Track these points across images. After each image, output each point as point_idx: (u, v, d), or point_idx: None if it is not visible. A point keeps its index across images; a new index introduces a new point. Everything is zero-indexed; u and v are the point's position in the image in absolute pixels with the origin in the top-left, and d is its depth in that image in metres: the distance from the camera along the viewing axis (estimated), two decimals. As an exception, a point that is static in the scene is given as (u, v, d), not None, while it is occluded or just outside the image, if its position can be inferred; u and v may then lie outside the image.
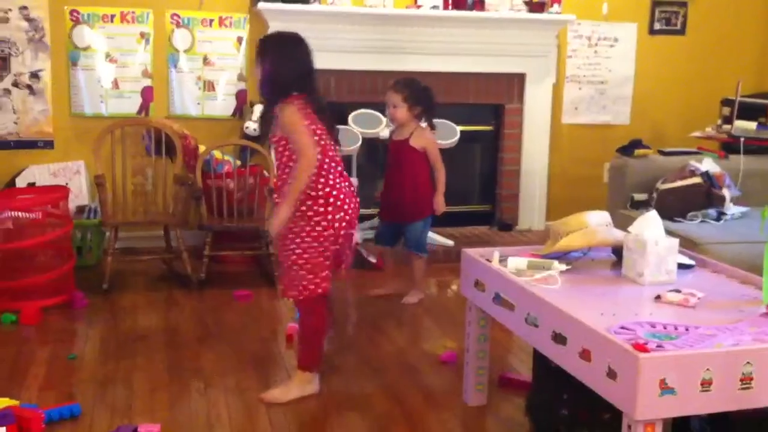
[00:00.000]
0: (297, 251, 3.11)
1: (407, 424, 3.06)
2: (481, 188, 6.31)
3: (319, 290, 3.14)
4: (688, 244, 3.75)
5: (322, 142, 3.11)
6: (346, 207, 3.16)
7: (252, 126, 5.24)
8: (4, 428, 2.75)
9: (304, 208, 3.09)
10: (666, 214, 3.81)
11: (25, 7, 5.18)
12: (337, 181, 3.15)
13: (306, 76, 3.16)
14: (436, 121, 5.47)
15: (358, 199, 3.26)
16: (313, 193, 3.09)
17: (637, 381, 2.02)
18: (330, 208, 3.10)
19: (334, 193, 3.12)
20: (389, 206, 4.55)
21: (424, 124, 4.48)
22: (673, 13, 6.28)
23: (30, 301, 4.13)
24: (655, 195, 4.68)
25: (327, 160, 3.12)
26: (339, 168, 3.19)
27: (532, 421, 2.98)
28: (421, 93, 4.38)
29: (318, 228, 3.09)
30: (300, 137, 3.03)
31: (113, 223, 4.68)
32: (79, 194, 5.19)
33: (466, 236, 5.83)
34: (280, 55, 3.16)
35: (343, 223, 3.16)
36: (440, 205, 4.51)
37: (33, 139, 5.32)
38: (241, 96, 5.57)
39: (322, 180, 3.10)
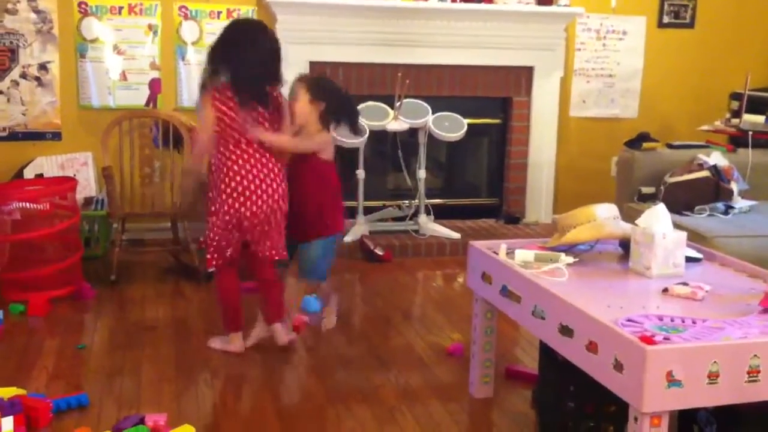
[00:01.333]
0: (207, 228, 3.56)
1: (414, 415, 3.06)
2: (489, 181, 6.30)
3: (213, 263, 3.56)
4: (695, 237, 3.74)
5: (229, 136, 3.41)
6: (255, 198, 3.42)
7: (259, 118, 5.23)
8: (12, 417, 2.77)
9: (210, 194, 3.53)
10: (674, 208, 3.80)
11: (33, -1, 5.19)
12: (244, 174, 3.42)
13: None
14: (443, 114, 5.51)
15: (278, 189, 3.48)
16: (219, 184, 3.45)
17: (643, 373, 2.02)
18: (229, 200, 3.43)
19: (233, 185, 3.42)
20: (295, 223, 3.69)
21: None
22: (681, 7, 6.26)
23: (38, 292, 4.14)
24: (662, 188, 4.67)
25: (232, 154, 3.42)
26: (251, 161, 3.44)
27: (539, 413, 2.99)
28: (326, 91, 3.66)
29: (212, 217, 3.50)
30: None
31: (121, 214, 4.69)
32: (87, 186, 5.20)
33: (473, 229, 5.82)
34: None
35: (248, 213, 3.43)
36: (257, 132, 3.44)
37: (41, 130, 5.33)
38: (248, 88, 5.56)
39: (224, 172, 3.43)
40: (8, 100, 5.26)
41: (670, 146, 5.10)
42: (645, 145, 5.00)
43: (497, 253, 2.95)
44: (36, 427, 2.85)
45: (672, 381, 2.04)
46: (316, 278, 3.81)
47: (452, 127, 5.47)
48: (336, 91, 3.69)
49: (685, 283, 2.59)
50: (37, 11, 5.21)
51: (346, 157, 4.98)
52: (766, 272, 2.75)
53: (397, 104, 5.36)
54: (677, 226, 2.91)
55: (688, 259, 2.84)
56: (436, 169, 6.17)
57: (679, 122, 6.23)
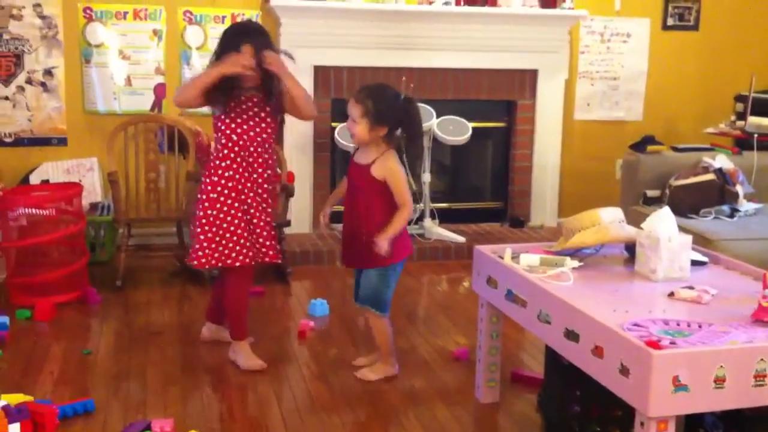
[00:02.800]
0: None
1: (419, 419, 3.06)
2: (493, 184, 6.30)
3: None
4: (701, 240, 3.74)
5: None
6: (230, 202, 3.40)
7: (264, 123, 5.24)
8: (18, 424, 2.77)
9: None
10: (679, 211, 3.80)
11: (38, 5, 5.20)
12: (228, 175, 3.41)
13: None
14: (448, 118, 5.51)
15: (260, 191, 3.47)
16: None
17: (650, 378, 2.02)
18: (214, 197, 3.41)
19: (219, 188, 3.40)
20: (345, 246, 3.46)
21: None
22: (686, 9, 6.25)
23: (44, 297, 4.15)
24: (668, 191, 4.67)
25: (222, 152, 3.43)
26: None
27: (544, 417, 2.98)
28: (390, 108, 3.23)
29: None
30: None
31: (126, 219, 4.70)
32: (93, 191, 5.21)
33: (477, 233, 5.82)
34: None
35: (229, 218, 3.41)
36: (380, 246, 3.17)
37: (47, 136, 5.34)
38: (253, 93, 5.57)
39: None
40: (14, 106, 5.27)
41: (675, 149, 5.10)
42: (650, 148, 5.00)
43: (502, 257, 2.95)
44: (43, 433, 2.86)
45: (678, 385, 2.04)
46: (378, 309, 3.38)
47: (457, 131, 5.48)
48: (397, 110, 3.23)
49: (690, 287, 2.59)
50: (42, 17, 5.23)
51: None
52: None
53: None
54: (683, 229, 2.91)
55: (694, 263, 2.84)
56: (441, 172, 6.17)
57: (684, 125, 6.23)
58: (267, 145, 3.48)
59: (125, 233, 4.69)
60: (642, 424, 2.10)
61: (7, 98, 5.25)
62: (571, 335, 2.39)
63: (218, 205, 3.39)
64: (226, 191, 3.39)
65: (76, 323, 4.06)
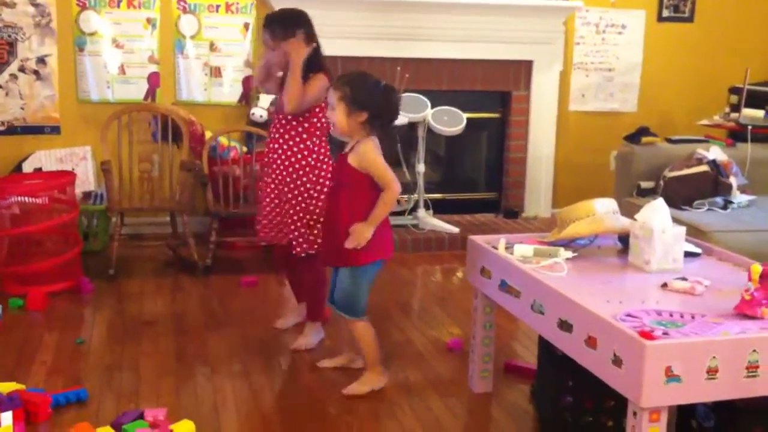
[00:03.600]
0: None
1: (413, 410, 3.06)
2: (488, 175, 6.30)
3: None
4: (694, 232, 3.74)
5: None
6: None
7: (258, 112, 5.24)
8: (11, 412, 2.76)
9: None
10: (673, 202, 3.80)
11: (31, -8, 5.18)
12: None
13: None
14: (443, 108, 5.50)
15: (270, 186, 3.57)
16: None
17: (642, 368, 2.03)
18: None
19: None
20: (325, 244, 3.30)
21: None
22: (681, 1, 6.25)
23: (37, 286, 4.14)
24: (662, 183, 4.67)
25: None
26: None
27: (537, 407, 2.99)
28: (367, 93, 3.07)
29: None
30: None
31: (119, 208, 4.69)
32: (86, 180, 5.20)
33: (472, 223, 5.82)
34: None
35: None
36: (356, 234, 3.02)
37: (40, 124, 5.32)
38: (247, 82, 5.56)
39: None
40: (7, 94, 5.25)
41: (670, 141, 5.10)
42: (644, 139, 5.00)
43: (496, 248, 2.95)
44: (35, 422, 2.85)
45: (671, 376, 2.04)
46: (349, 314, 3.19)
47: (451, 122, 5.47)
48: (376, 94, 3.08)
49: (684, 278, 2.59)
50: (35, 4, 5.20)
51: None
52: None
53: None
54: (676, 220, 2.91)
55: (687, 254, 2.84)
56: (435, 163, 6.17)
57: (679, 116, 6.23)
58: None
59: (118, 222, 4.68)
60: (634, 414, 2.10)
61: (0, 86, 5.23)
62: (565, 326, 2.39)
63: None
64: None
65: (69, 312, 4.05)
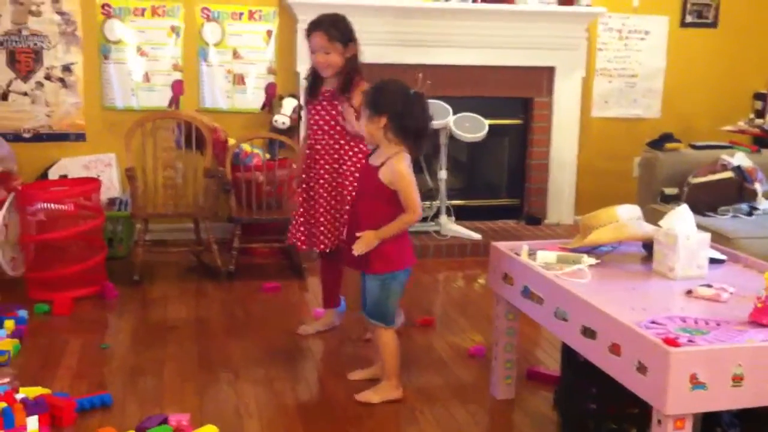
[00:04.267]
0: None
1: (435, 416, 3.06)
2: (510, 182, 6.28)
3: None
4: (719, 238, 3.71)
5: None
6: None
7: (281, 119, 5.26)
8: (36, 416, 2.79)
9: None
10: (697, 209, 3.78)
11: (57, 1, 5.22)
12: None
13: None
14: (464, 115, 5.50)
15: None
16: None
17: (667, 376, 2.02)
18: None
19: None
20: (347, 246, 3.20)
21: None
22: (704, 6, 6.21)
23: (62, 291, 4.18)
24: (686, 189, 4.64)
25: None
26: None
27: (560, 414, 2.98)
28: (389, 96, 3.01)
29: None
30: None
31: (143, 215, 4.73)
32: (111, 186, 5.24)
33: (493, 230, 5.81)
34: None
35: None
36: (364, 241, 3.01)
37: (65, 131, 5.38)
38: (270, 89, 5.59)
39: None
40: (33, 102, 5.31)
41: (693, 147, 5.07)
42: (668, 145, 4.98)
43: (519, 254, 2.94)
44: (60, 426, 2.88)
45: (696, 383, 2.03)
46: (380, 320, 3.14)
47: (473, 128, 5.47)
48: (396, 99, 2.99)
49: (708, 285, 2.58)
50: (60, 13, 5.26)
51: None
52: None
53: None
54: (701, 227, 2.89)
55: (712, 261, 2.83)
56: (457, 169, 6.16)
57: (702, 122, 6.18)
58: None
59: (142, 228, 4.71)
60: (659, 421, 2.09)
61: (26, 94, 5.29)
62: (588, 333, 2.38)
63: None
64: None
65: (93, 318, 4.08)
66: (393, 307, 3.15)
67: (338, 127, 3.59)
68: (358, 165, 3.53)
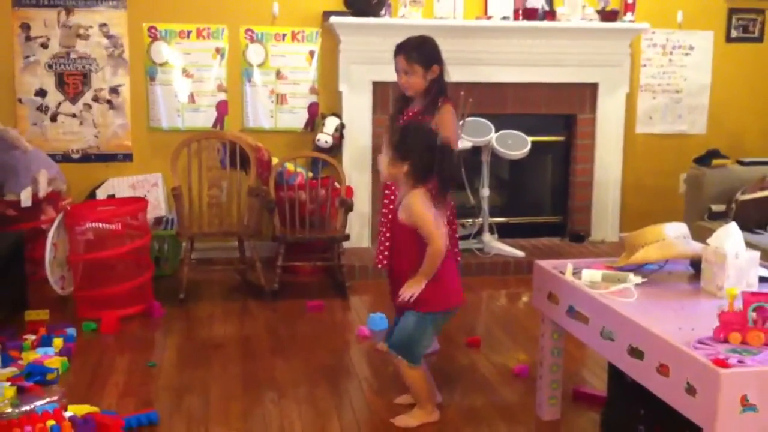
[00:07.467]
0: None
1: (480, 437, 3.04)
2: (553, 199, 6.25)
3: None
4: (769, 256, 3.65)
5: None
6: None
7: (323, 138, 5.30)
8: (85, 434, 2.83)
9: None
10: (746, 226, 3.72)
11: (104, 24, 5.34)
12: None
13: None
14: (507, 132, 5.48)
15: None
16: None
17: (717, 397, 1.98)
18: None
19: None
20: (390, 281, 3.25)
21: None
22: (750, 21, 6.14)
23: (110, 310, 4.24)
24: (734, 206, 4.58)
25: None
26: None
27: (607, 436, 2.94)
28: (415, 144, 2.98)
29: None
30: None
31: (189, 234, 4.78)
32: (157, 206, 5.31)
33: (537, 247, 5.78)
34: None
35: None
36: (408, 289, 2.99)
37: (113, 152, 5.48)
38: (312, 109, 5.64)
39: None
40: (81, 123, 5.42)
41: (741, 163, 5.01)
42: (714, 161, 4.92)
43: (563, 273, 2.92)
44: (108, 444, 2.91)
45: (746, 405, 1.99)
46: (403, 356, 3.07)
47: (515, 145, 5.45)
48: (423, 148, 2.96)
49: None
50: (108, 36, 5.37)
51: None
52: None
53: (460, 123, 5.35)
54: (750, 245, 2.84)
55: (762, 279, 2.77)
56: (500, 187, 6.14)
57: (750, 138, 6.10)
58: None
59: (188, 247, 4.76)
60: (709, 444, 2.05)
61: (74, 115, 5.40)
62: (636, 353, 2.35)
63: None
64: None
65: (140, 336, 4.14)
66: (423, 347, 3.10)
67: None
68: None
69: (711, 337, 2.26)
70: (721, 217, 4.56)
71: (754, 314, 2.24)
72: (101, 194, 5.31)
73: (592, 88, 5.92)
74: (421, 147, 2.96)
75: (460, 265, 3.83)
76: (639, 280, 2.78)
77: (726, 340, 2.23)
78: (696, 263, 2.88)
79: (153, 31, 5.41)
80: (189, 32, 5.45)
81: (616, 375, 2.78)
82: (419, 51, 3.64)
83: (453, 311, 3.15)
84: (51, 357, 3.61)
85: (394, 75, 3.75)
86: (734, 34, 6.14)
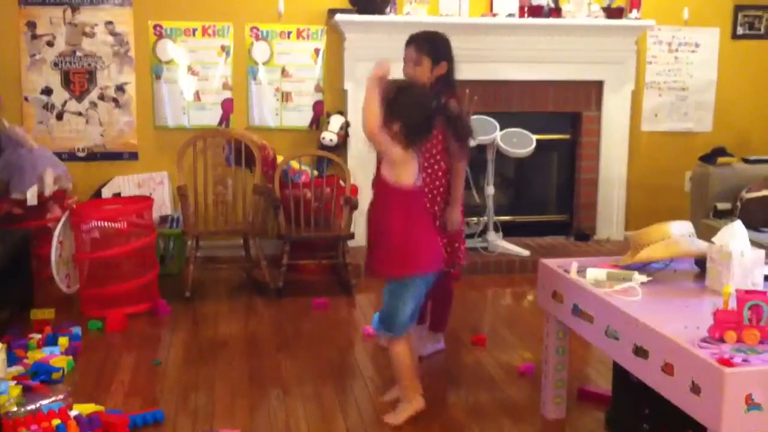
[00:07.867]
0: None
1: (484, 435, 3.04)
2: (558, 197, 6.24)
3: None
4: (774, 255, 3.64)
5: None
6: None
7: (328, 136, 5.30)
8: (91, 432, 2.84)
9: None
10: (751, 224, 3.71)
11: (110, 23, 5.35)
12: None
13: None
14: (512, 130, 5.47)
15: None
16: None
17: (722, 396, 1.98)
18: None
19: None
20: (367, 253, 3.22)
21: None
22: (756, 17, 6.12)
23: (116, 308, 4.25)
24: (739, 204, 4.57)
25: None
26: None
27: (612, 435, 2.94)
28: (407, 102, 2.94)
29: None
30: None
31: (195, 232, 4.79)
32: (163, 204, 5.33)
33: (542, 246, 5.77)
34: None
35: None
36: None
37: (118, 150, 5.49)
38: (318, 107, 5.64)
39: None
40: (87, 122, 5.43)
41: (747, 161, 5.00)
42: (720, 159, 4.91)
43: (568, 272, 2.92)
44: (114, 442, 2.92)
45: (751, 404, 1.99)
46: (384, 329, 3.10)
47: (520, 143, 5.45)
48: (416, 108, 2.93)
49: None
50: (114, 34, 5.38)
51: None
52: None
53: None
54: (755, 243, 2.84)
55: (767, 278, 2.77)
56: (505, 185, 6.14)
57: (756, 136, 6.09)
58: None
59: (194, 245, 4.77)
60: (714, 443, 2.05)
61: (80, 114, 5.41)
62: (640, 352, 2.35)
63: None
64: None
65: (146, 334, 4.14)
66: (404, 316, 3.04)
67: (428, 144, 3.45)
68: (445, 183, 3.54)
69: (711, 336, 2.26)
70: (727, 216, 4.55)
71: (749, 312, 2.23)
72: (107, 193, 5.33)
73: (597, 86, 5.91)
74: (413, 107, 2.91)
75: (464, 264, 3.84)
76: (644, 278, 2.78)
77: (721, 339, 2.23)
78: (701, 262, 2.87)
79: (158, 28, 5.42)
80: (194, 30, 5.46)
81: (621, 374, 2.78)
82: (431, 44, 3.61)
83: (428, 275, 3.06)
84: (56, 356, 3.61)
85: (401, 73, 3.73)
86: (740, 31, 6.12)
